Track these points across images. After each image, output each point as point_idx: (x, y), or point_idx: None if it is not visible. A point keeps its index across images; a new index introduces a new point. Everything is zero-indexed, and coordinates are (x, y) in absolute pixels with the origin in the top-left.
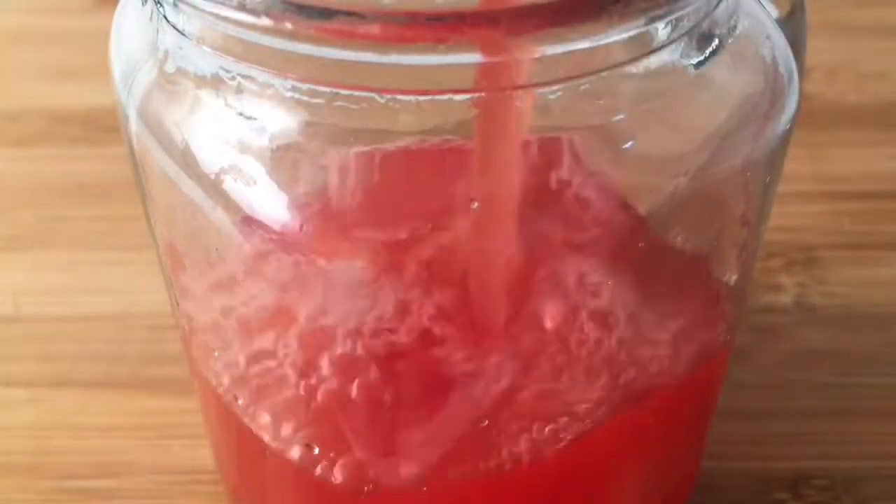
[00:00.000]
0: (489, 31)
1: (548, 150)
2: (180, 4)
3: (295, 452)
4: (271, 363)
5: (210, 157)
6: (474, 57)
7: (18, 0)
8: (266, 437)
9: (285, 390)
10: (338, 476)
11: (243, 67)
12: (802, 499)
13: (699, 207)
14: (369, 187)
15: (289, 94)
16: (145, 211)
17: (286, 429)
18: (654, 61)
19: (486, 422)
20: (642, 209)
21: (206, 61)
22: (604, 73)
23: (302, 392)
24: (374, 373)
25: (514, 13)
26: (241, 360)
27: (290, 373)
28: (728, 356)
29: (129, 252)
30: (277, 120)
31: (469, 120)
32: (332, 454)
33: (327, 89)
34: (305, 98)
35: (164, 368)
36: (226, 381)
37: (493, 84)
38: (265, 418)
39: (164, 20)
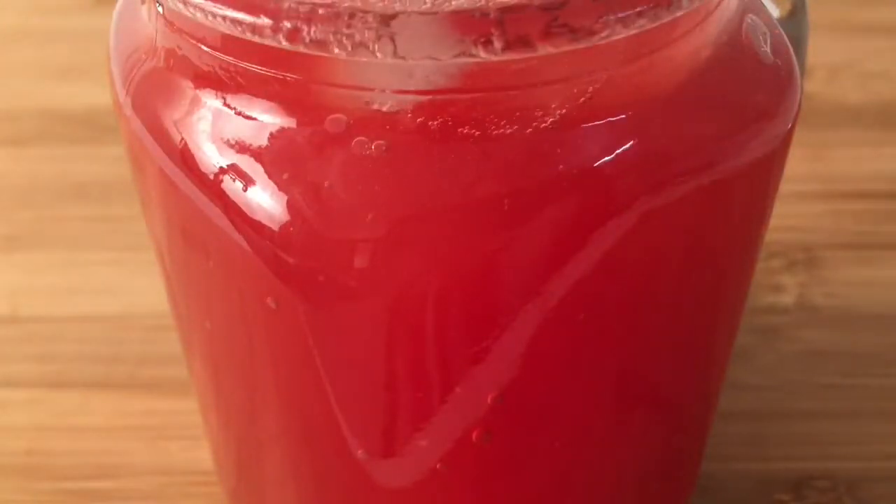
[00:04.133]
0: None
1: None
2: (179, 3)
3: None
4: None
5: (208, 157)
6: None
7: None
8: None
9: None
10: None
11: (242, 67)
12: (804, 500)
13: (701, 207)
14: (366, 185)
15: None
16: (144, 211)
17: None
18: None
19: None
20: (644, 209)
21: (204, 60)
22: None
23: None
24: None
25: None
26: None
27: None
28: (728, 357)
29: (129, 252)
30: (276, 119)
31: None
32: None
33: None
34: (303, 96)
35: (163, 369)
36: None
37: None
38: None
39: (162, 19)
